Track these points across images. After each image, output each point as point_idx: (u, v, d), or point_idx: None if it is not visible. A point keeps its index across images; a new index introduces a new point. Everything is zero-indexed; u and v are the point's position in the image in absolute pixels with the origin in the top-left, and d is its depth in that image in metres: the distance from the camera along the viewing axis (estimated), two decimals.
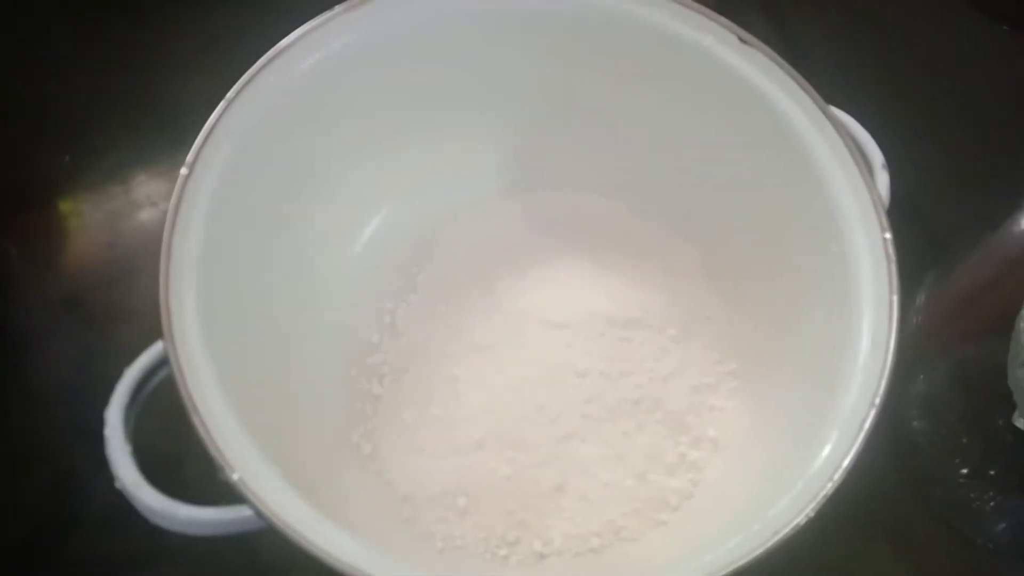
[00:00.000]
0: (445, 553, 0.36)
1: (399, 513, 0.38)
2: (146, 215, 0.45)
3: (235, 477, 0.27)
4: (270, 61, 0.34)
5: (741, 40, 0.35)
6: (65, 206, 0.46)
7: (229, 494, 0.28)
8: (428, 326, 0.41)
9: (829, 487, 0.28)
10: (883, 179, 0.36)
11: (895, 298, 0.31)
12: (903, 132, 0.43)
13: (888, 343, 0.30)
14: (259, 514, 0.27)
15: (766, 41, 0.35)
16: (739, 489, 0.35)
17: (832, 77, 0.39)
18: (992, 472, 0.40)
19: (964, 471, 0.40)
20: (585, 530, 0.37)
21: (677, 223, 0.43)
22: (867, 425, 0.29)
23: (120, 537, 0.38)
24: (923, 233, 0.47)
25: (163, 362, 0.30)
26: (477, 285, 0.42)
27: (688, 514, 0.36)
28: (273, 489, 0.28)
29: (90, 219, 0.46)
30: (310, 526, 0.27)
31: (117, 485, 0.30)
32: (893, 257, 0.31)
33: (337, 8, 0.35)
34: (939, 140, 0.51)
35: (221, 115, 0.32)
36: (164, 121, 0.47)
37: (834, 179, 0.34)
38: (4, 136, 0.48)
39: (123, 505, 0.31)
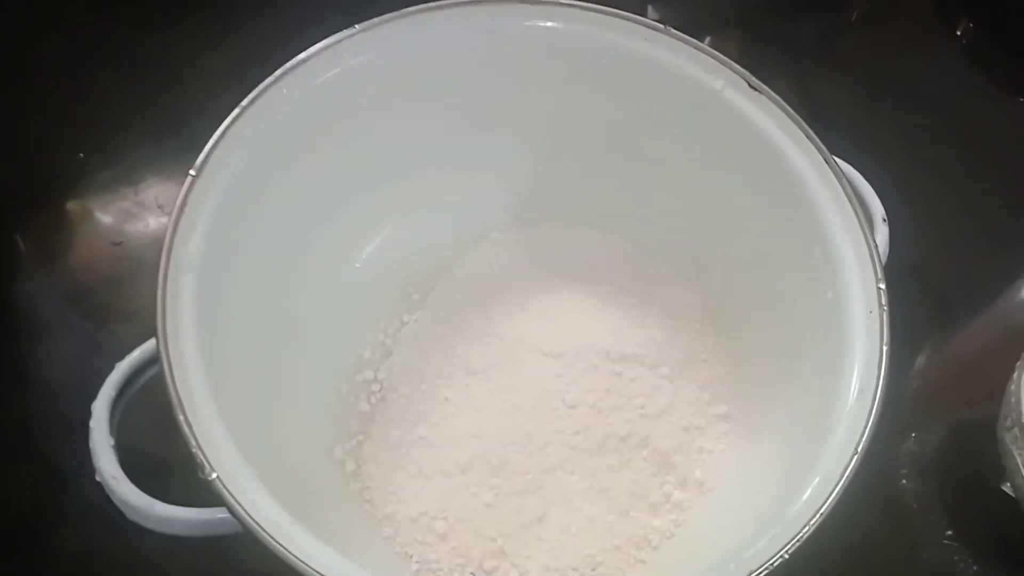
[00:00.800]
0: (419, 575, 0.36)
1: (379, 531, 0.38)
2: (154, 217, 0.46)
3: (213, 476, 0.27)
4: (286, 73, 0.34)
5: (751, 86, 0.36)
6: (75, 204, 0.47)
7: (210, 498, 0.28)
8: (422, 347, 0.41)
9: (806, 531, 0.28)
10: (883, 231, 0.37)
11: (885, 348, 0.31)
12: (911, 192, 0.44)
13: (875, 391, 0.30)
14: (234, 514, 0.27)
15: (784, 92, 0.35)
16: (721, 531, 0.34)
17: (845, 132, 0.40)
18: (978, 537, 0.40)
19: (949, 533, 0.40)
20: (563, 563, 0.37)
21: (678, 262, 0.43)
22: (849, 472, 0.29)
23: (106, 534, 0.38)
24: (923, 290, 0.47)
25: (155, 359, 0.30)
26: (474, 310, 0.42)
27: (668, 554, 0.36)
28: (250, 491, 0.28)
29: (99, 218, 0.47)
30: (284, 531, 0.27)
31: (97, 477, 0.31)
32: (886, 307, 0.31)
33: (357, 26, 0.35)
34: (947, 202, 0.52)
35: (233, 122, 0.33)
36: (177, 125, 0.48)
37: (833, 226, 0.34)
38: (20, 132, 0.49)
39: (110, 502, 0.31)
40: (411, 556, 0.37)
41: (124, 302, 0.43)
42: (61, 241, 0.47)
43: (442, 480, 0.38)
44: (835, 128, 0.39)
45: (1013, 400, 0.37)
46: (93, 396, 0.33)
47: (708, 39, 0.55)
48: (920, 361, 0.46)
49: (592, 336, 0.40)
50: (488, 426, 0.38)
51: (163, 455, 0.33)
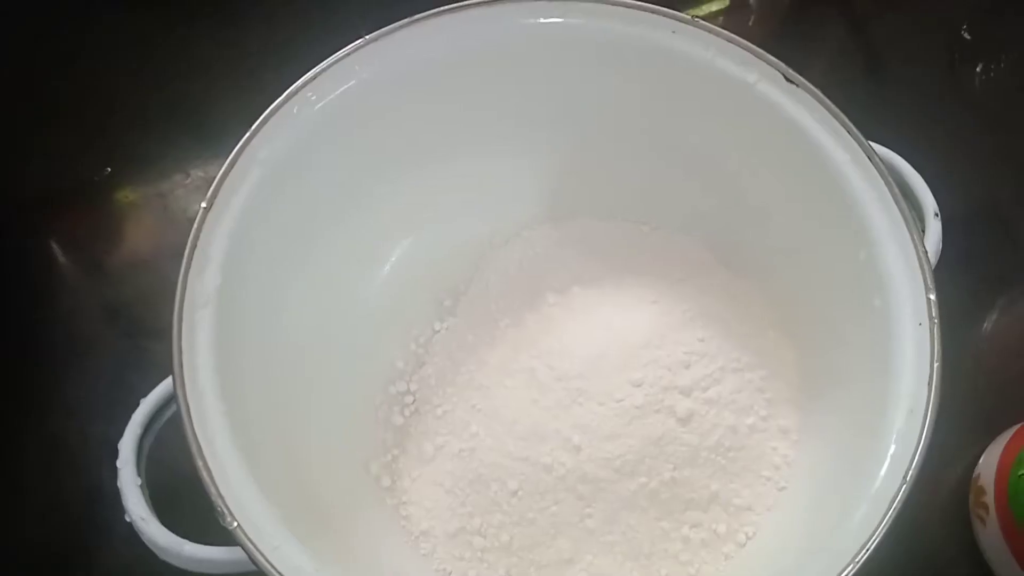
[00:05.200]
0: None
1: (417, 548, 0.37)
2: (183, 230, 0.46)
3: (234, 525, 0.27)
4: (296, 92, 0.33)
5: (787, 79, 0.33)
6: (105, 218, 0.47)
7: None
8: (454, 356, 0.40)
9: (851, 569, 0.26)
10: (934, 228, 0.34)
11: (936, 365, 0.29)
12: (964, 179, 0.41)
13: (926, 413, 0.28)
14: (255, 563, 0.27)
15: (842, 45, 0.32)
16: (768, 557, 0.33)
17: (894, 117, 0.37)
18: None
19: None
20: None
21: (719, 256, 0.41)
22: (898, 502, 0.27)
23: (148, 553, 0.38)
24: (970, 285, 0.45)
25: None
26: (508, 315, 0.41)
27: None
28: (273, 537, 0.27)
29: (129, 232, 0.47)
30: None
31: (126, 518, 0.31)
32: (936, 319, 0.29)
33: (367, 36, 0.34)
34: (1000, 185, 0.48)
35: (243, 148, 0.32)
36: (204, 137, 0.47)
37: (878, 228, 0.32)
38: (50, 144, 0.49)
39: None
40: (450, 573, 0.37)
41: (158, 319, 0.43)
42: (95, 256, 0.47)
43: (479, 496, 0.37)
44: (883, 113, 0.36)
45: None
46: (130, 416, 0.33)
47: (752, 18, 0.53)
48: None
49: (638, 336, 0.38)
50: (524, 440, 0.37)
51: (190, 485, 0.33)
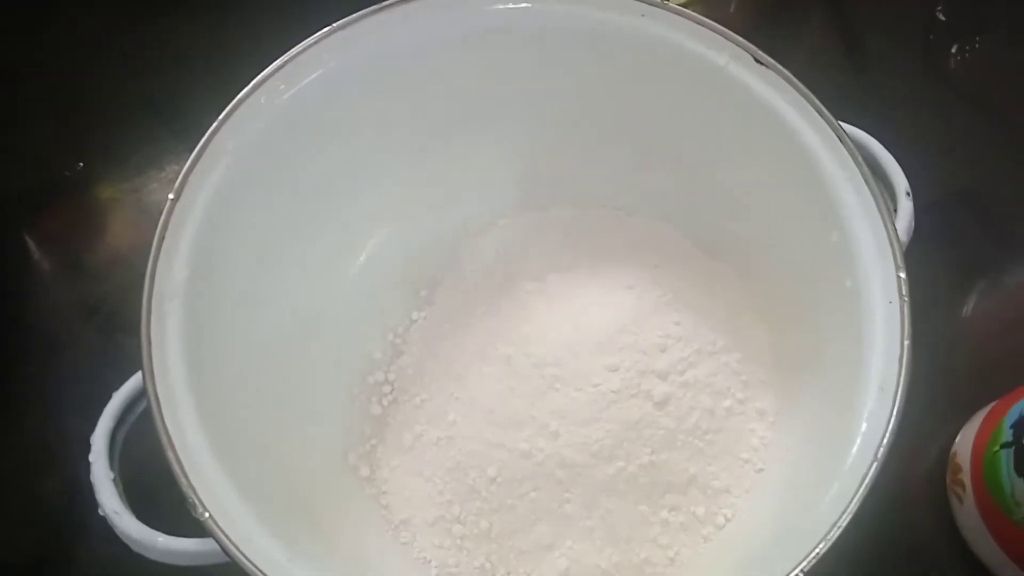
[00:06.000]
0: None
1: (397, 537, 0.37)
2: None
3: (205, 516, 0.27)
4: (263, 81, 0.33)
5: (757, 60, 0.33)
6: (80, 213, 0.47)
7: None
8: (433, 345, 0.40)
9: (822, 547, 0.26)
10: (906, 207, 0.34)
11: (907, 343, 0.29)
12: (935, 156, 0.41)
13: (896, 391, 0.28)
14: (228, 554, 0.27)
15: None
16: (743, 535, 0.33)
17: (866, 96, 0.37)
18: None
19: None
20: (590, 562, 0.36)
21: (696, 239, 0.41)
22: (868, 479, 0.27)
23: (127, 549, 0.38)
24: (947, 265, 0.45)
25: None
26: (485, 303, 0.40)
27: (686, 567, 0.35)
28: (245, 528, 0.27)
29: (104, 227, 0.46)
30: (281, 567, 0.27)
31: (100, 512, 0.30)
32: (906, 297, 0.29)
33: (334, 24, 0.34)
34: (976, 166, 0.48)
35: (211, 138, 0.32)
36: (178, 130, 0.47)
37: (849, 209, 0.32)
38: (23, 140, 0.49)
39: None
40: (430, 561, 0.37)
41: (135, 313, 0.43)
42: (71, 251, 0.47)
43: (458, 484, 0.37)
44: (863, 95, 0.36)
45: None
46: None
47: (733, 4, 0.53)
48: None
49: (614, 321, 0.38)
50: (502, 427, 0.37)
51: (165, 478, 0.33)
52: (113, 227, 0.47)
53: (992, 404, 0.39)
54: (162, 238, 0.30)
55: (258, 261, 0.35)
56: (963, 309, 0.45)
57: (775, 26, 0.54)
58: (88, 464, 0.32)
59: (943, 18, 0.53)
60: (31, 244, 0.47)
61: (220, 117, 0.32)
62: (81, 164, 0.47)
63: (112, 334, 0.44)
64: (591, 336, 0.38)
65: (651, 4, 0.34)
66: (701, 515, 0.35)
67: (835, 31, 0.54)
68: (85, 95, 0.50)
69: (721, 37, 0.34)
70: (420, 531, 0.37)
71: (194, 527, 0.28)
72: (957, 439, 0.40)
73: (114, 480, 0.31)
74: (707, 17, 0.34)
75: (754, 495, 0.35)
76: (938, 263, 0.44)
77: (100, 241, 0.47)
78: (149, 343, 0.29)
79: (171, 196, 0.31)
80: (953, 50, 0.52)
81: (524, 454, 0.36)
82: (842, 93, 0.34)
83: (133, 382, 0.32)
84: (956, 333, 0.44)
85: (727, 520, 0.36)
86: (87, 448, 0.32)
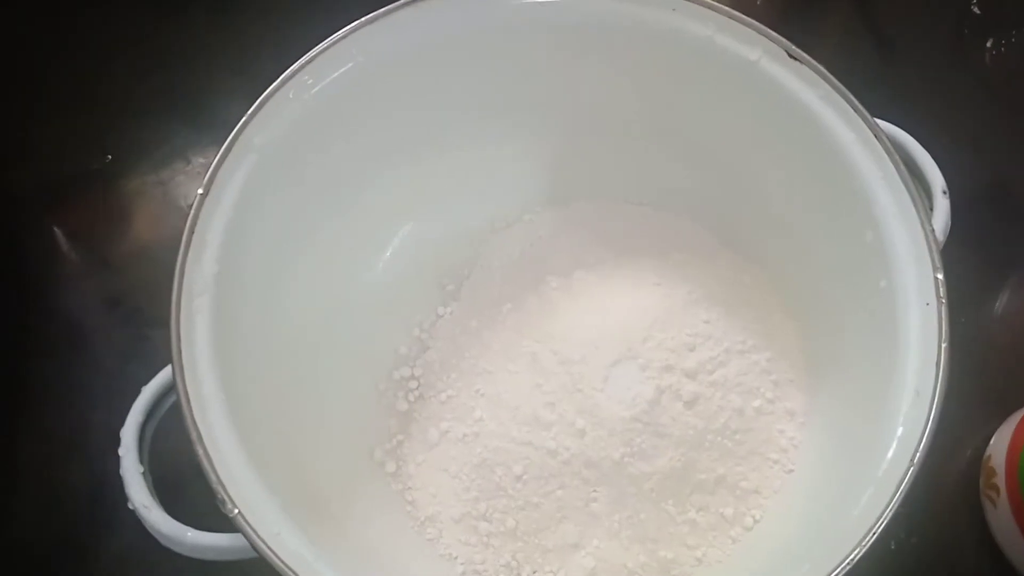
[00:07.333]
0: None
1: (422, 533, 0.37)
2: (183, 217, 0.45)
3: (235, 512, 0.27)
4: (291, 76, 0.33)
5: (790, 55, 0.33)
6: (106, 207, 0.47)
7: None
8: (457, 341, 0.40)
9: (857, 552, 0.26)
10: (942, 206, 0.34)
11: (944, 346, 0.28)
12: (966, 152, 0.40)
13: (933, 396, 0.28)
14: (256, 550, 0.27)
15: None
16: (774, 539, 0.33)
17: (900, 92, 0.36)
18: None
19: None
20: (617, 563, 0.35)
21: (724, 236, 0.41)
22: (905, 484, 0.27)
23: (149, 543, 0.39)
24: (979, 264, 0.44)
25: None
26: (511, 299, 0.40)
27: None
28: (274, 525, 0.27)
29: (130, 221, 0.47)
30: (308, 565, 0.27)
31: (129, 506, 0.31)
32: (944, 299, 0.29)
33: (361, 19, 0.34)
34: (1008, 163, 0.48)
35: (239, 133, 0.32)
36: (202, 124, 0.47)
37: (885, 208, 0.31)
38: (49, 134, 0.49)
39: None
40: (456, 558, 0.37)
41: (159, 306, 0.43)
42: (96, 243, 0.47)
43: (484, 481, 0.37)
44: (892, 90, 0.36)
45: None
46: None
47: None
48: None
49: (640, 318, 0.38)
50: (528, 425, 0.37)
51: (194, 471, 0.33)
52: (139, 220, 0.47)
53: None
54: (191, 233, 0.30)
55: (285, 255, 0.35)
56: (995, 309, 0.44)
57: (802, 19, 0.53)
58: (117, 458, 0.32)
59: (978, 11, 0.52)
60: (57, 237, 0.47)
61: (248, 112, 0.32)
62: (109, 157, 0.47)
63: (138, 327, 0.44)
64: (618, 333, 0.37)
65: None
66: (729, 516, 0.35)
67: (863, 24, 0.53)
68: (110, 88, 0.50)
69: (754, 31, 0.33)
70: (446, 527, 0.37)
71: (218, 521, 0.28)
72: (991, 443, 0.39)
73: (143, 474, 0.31)
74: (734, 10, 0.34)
75: (783, 497, 0.35)
76: (969, 262, 0.43)
77: (126, 234, 0.47)
78: (179, 339, 0.29)
79: (200, 191, 0.31)
80: (988, 44, 0.51)
81: (550, 452, 0.36)
82: (870, 88, 0.33)
83: (161, 377, 0.32)
84: (989, 333, 0.43)
85: (755, 521, 0.35)
86: (112, 440, 0.32)
